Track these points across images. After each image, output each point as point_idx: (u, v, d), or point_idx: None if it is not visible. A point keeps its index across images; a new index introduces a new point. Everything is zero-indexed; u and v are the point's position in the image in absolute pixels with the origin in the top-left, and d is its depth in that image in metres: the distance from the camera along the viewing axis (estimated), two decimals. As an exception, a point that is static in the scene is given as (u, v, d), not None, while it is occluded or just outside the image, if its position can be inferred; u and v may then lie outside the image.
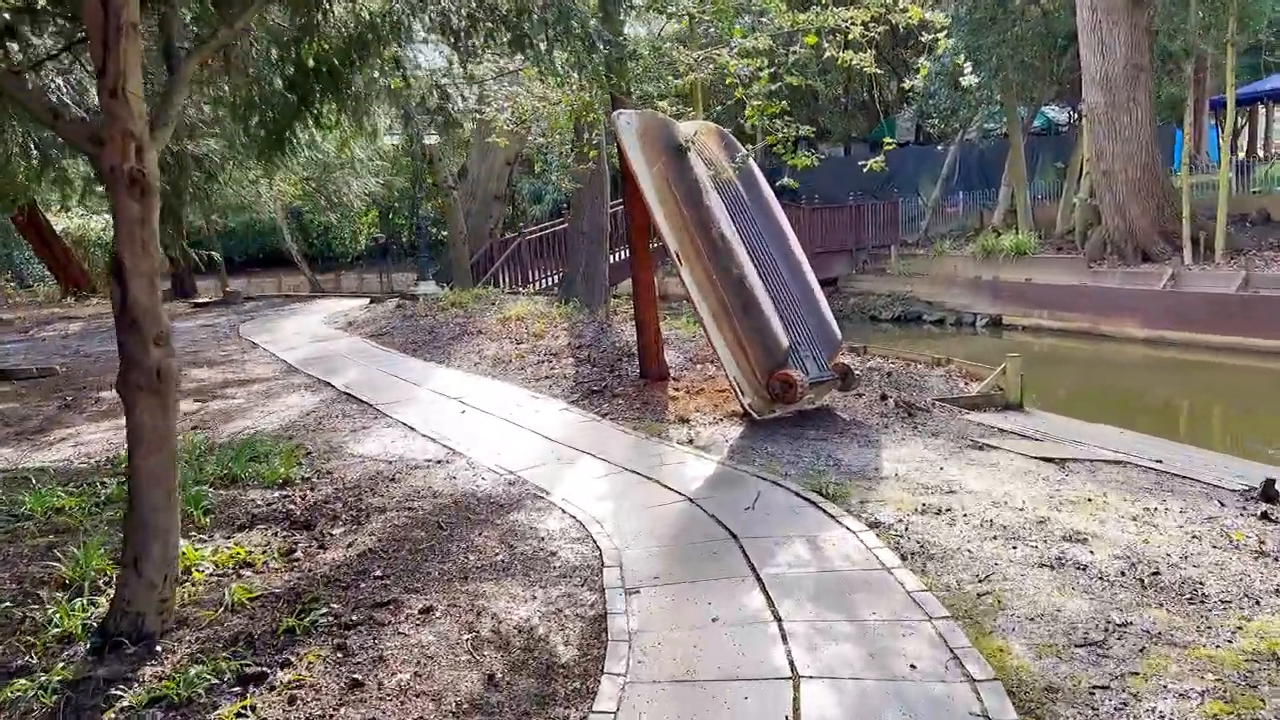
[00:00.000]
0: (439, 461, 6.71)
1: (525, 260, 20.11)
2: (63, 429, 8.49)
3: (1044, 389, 13.16)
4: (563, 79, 7.65)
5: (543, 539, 5.13)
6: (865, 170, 7.86)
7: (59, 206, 27.87)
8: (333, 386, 9.97)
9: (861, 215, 25.49)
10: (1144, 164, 19.46)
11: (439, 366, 10.96)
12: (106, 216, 27.66)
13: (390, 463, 6.72)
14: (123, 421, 3.98)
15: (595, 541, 5.05)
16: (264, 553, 4.83)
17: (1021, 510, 5.46)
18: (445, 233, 21.74)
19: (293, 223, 35.71)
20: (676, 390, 8.85)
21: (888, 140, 8.48)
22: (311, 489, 5.98)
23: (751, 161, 8.89)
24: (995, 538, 4.99)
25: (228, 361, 12.25)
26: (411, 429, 7.82)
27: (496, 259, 20.29)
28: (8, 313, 20.88)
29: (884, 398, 8.79)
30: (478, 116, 13.13)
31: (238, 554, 4.79)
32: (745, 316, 7.71)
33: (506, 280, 20.19)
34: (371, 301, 18.76)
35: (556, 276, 20.06)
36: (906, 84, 24.12)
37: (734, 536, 5.04)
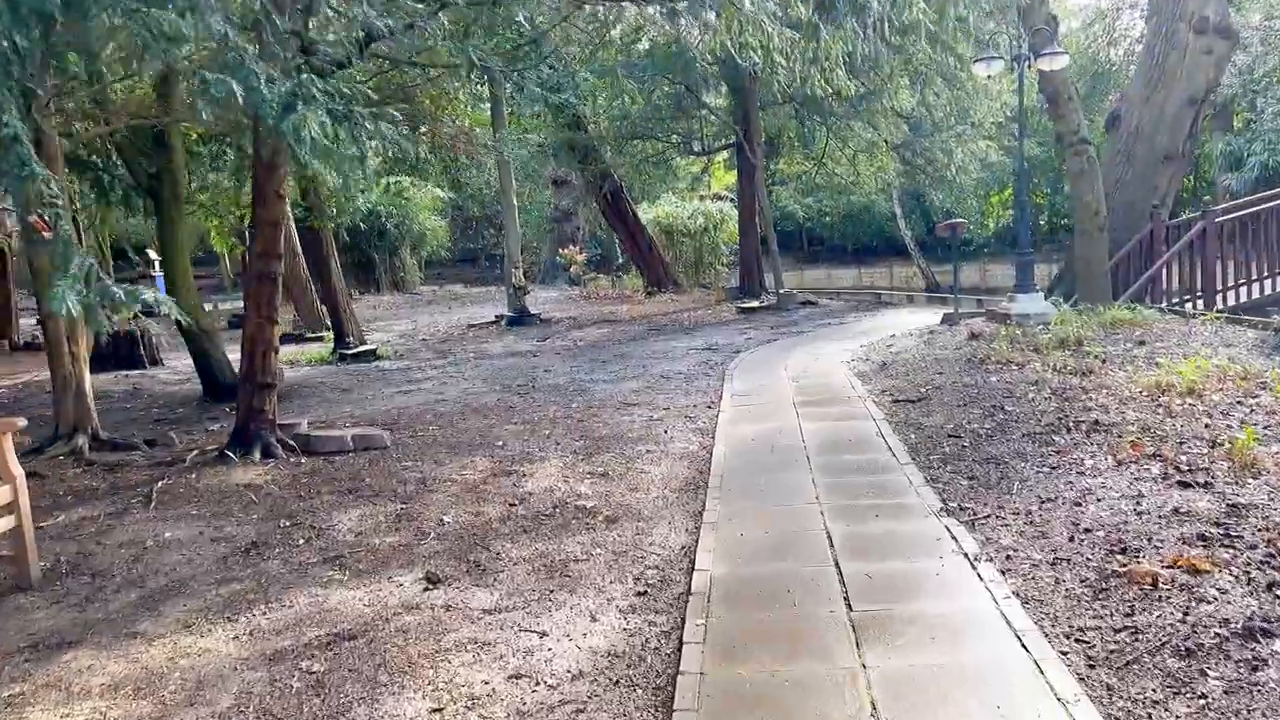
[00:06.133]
0: None
1: (1209, 259, 11.95)
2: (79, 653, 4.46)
3: None
4: None
5: None
6: None
7: (644, 196, 26.75)
8: (670, 608, 4.41)
9: None
10: None
11: (948, 538, 4.63)
12: (694, 204, 25.67)
13: None
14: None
15: None
16: None
17: None
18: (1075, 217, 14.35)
19: (911, 205, 30.36)
20: None
21: None
22: None
23: None
24: None
25: (640, 439, 7.49)
26: None
27: (1159, 254, 12.47)
28: (561, 311, 19.40)
29: None
30: None
31: None
32: None
33: (1178, 289, 12.35)
34: (944, 320, 12.64)
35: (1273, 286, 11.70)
36: None
37: None
